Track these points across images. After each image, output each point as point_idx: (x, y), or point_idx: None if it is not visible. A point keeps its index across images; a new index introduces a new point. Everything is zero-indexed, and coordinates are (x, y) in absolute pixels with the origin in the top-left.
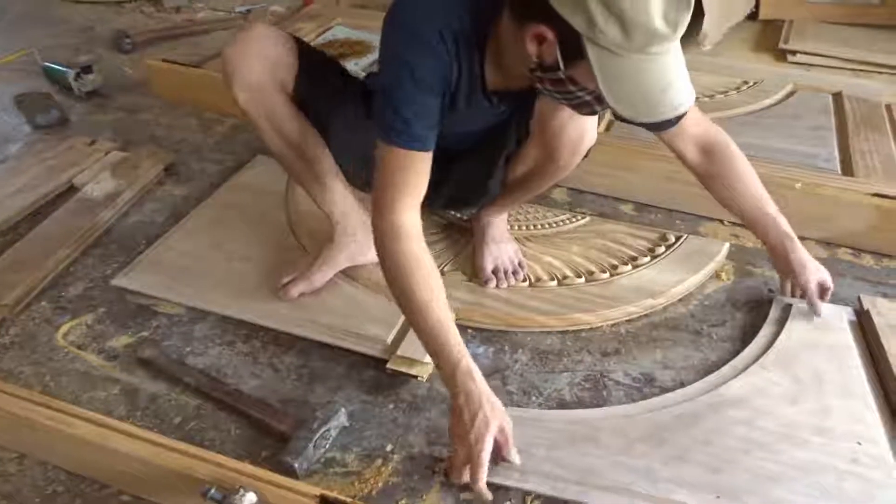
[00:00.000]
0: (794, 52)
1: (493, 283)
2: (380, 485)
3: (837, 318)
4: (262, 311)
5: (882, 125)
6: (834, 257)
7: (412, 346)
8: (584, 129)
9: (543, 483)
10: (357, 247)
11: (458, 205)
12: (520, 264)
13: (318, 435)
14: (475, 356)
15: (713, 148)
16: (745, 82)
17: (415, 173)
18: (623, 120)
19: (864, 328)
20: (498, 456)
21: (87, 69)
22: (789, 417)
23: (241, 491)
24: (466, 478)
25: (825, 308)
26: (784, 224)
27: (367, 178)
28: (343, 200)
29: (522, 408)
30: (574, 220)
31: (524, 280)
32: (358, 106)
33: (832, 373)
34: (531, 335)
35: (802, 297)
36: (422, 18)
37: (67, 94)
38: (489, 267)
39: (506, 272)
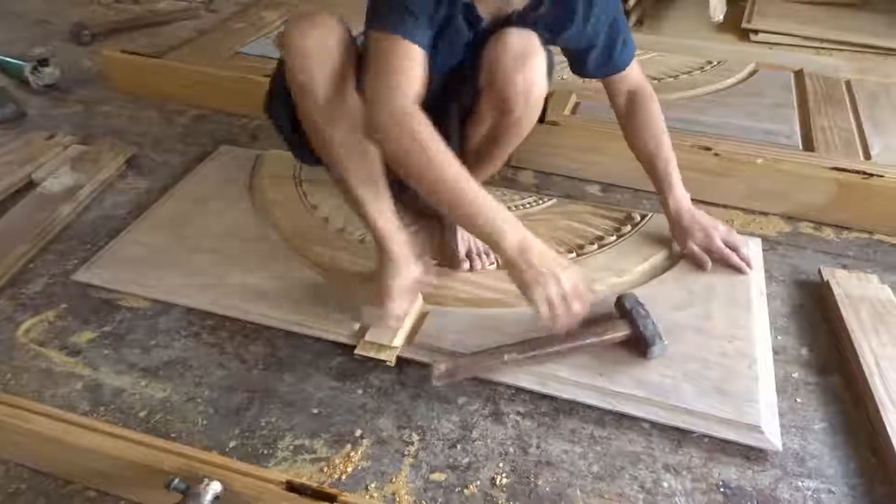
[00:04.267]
0: (756, 32)
1: (466, 266)
2: (349, 470)
3: (743, 244)
4: (227, 303)
5: (842, 101)
6: (796, 231)
7: (380, 330)
8: (533, 77)
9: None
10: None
11: None
12: None
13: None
14: None
15: (637, 96)
16: (710, 62)
17: (416, 66)
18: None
19: (825, 298)
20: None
21: (43, 62)
22: (675, 319)
23: (206, 480)
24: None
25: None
26: (674, 176)
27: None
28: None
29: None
30: (541, 202)
31: (492, 263)
32: None
33: (723, 286)
34: None
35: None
36: None
37: (24, 87)
38: (463, 250)
39: (478, 254)
